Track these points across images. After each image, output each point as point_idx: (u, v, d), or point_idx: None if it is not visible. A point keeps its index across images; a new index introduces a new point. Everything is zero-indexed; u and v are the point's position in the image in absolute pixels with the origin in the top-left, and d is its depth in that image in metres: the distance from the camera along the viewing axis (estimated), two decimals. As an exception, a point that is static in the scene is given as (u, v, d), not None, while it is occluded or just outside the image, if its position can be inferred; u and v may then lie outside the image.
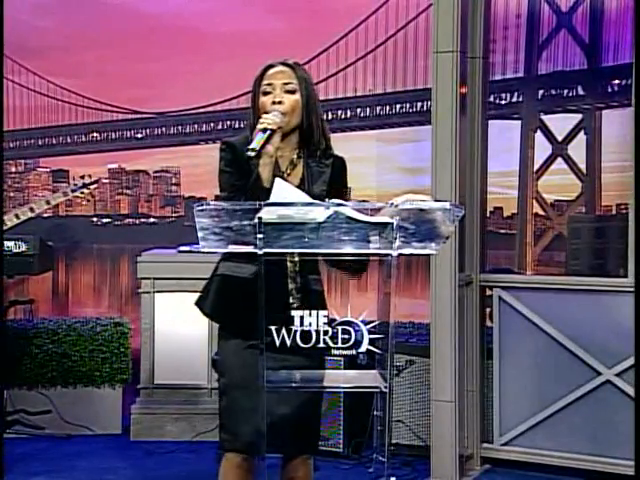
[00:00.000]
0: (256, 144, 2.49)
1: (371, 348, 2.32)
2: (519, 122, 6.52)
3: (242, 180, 2.57)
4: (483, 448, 4.21)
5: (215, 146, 2.79)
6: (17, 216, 3.96)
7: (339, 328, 2.32)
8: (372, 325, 2.35)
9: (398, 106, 10.55)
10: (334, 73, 10.46)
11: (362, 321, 2.34)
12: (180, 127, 10.12)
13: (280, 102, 2.61)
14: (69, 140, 11.35)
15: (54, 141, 11.38)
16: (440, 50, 3.94)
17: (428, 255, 2.36)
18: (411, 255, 2.31)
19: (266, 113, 2.59)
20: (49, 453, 4.42)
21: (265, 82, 2.65)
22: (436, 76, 3.96)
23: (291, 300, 2.60)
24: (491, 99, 4.70)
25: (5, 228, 3.91)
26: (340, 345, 2.32)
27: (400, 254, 2.28)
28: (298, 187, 2.58)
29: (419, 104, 10.32)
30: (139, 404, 4.80)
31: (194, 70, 9.21)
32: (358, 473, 4.17)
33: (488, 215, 4.55)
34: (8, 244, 3.46)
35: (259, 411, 2.42)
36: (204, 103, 9.70)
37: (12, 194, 11.31)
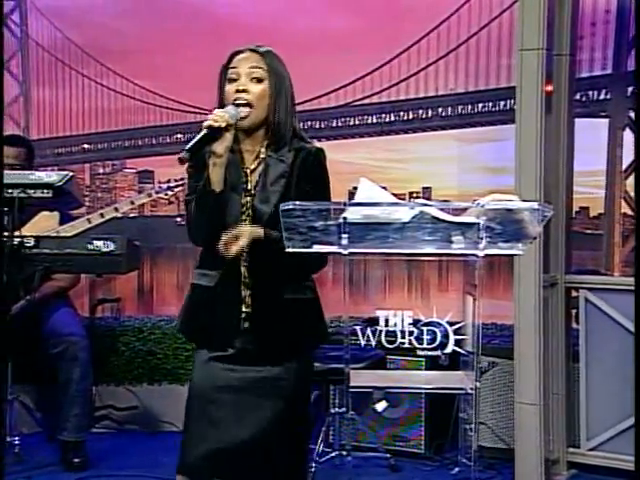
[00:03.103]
0: (190, 145, 2.31)
1: (457, 349, 2.30)
2: (607, 120, 6.36)
3: (200, 182, 2.41)
4: (569, 452, 4.13)
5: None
6: (102, 215, 4.07)
7: (424, 329, 2.31)
8: (457, 326, 2.33)
9: (480, 105, 10.43)
10: (415, 72, 10.41)
11: (447, 322, 2.32)
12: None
13: (244, 90, 2.40)
14: (154, 141, 11.57)
15: (140, 142, 11.62)
16: (525, 48, 3.87)
17: (512, 255, 2.33)
18: (496, 255, 2.29)
19: (229, 104, 2.39)
20: (135, 448, 4.51)
21: (231, 69, 2.43)
22: (521, 74, 3.90)
23: (243, 308, 2.44)
24: (577, 97, 4.59)
25: (90, 226, 4.04)
26: (425, 346, 2.31)
27: (486, 255, 2.26)
28: (257, 183, 2.45)
29: (502, 103, 10.20)
30: (222, 402, 4.86)
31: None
32: (440, 475, 4.14)
33: (574, 215, 4.46)
34: (97, 243, 3.55)
35: (211, 434, 2.44)
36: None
37: (100, 194, 11.60)
